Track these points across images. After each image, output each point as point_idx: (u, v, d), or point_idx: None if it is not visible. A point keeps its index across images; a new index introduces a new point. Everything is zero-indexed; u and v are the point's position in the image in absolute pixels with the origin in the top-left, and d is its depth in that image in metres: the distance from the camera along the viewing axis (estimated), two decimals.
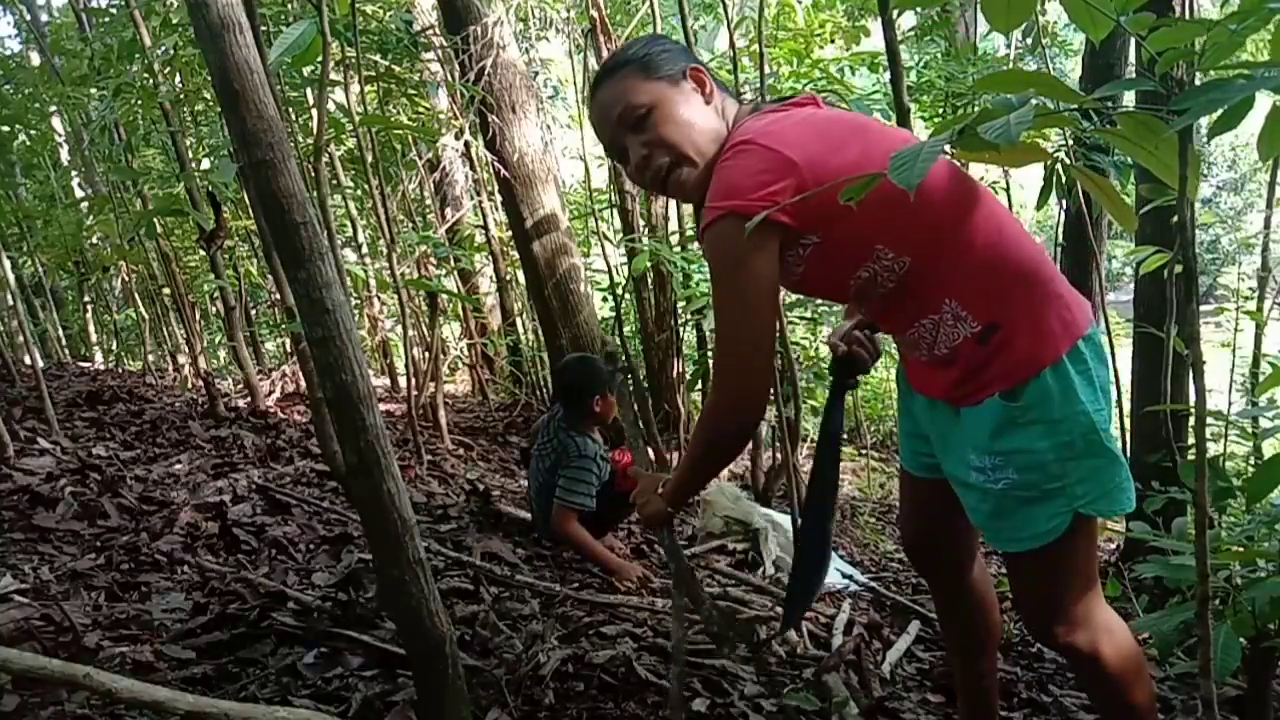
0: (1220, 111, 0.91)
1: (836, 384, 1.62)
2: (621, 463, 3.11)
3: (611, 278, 5.30)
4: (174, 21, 3.99)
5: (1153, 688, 1.41)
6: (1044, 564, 1.33)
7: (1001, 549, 1.37)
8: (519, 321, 6.22)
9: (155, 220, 4.34)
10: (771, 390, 3.19)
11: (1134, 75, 3.55)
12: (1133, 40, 1.09)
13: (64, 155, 7.12)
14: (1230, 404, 4.49)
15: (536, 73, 6.76)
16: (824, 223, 1.25)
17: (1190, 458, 2.88)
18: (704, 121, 1.36)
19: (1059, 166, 3.08)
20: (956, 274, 1.28)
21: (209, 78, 2.03)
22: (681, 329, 4.86)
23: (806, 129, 1.27)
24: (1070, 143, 3.00)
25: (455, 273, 6.16)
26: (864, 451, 6.96)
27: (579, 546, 2.87)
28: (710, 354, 4.85)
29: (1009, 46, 6.63)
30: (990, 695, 1.71)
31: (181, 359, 5.88)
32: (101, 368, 6.71)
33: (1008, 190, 5.15)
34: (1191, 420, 2.78)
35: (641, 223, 5.01)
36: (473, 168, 5.50)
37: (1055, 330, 1.27)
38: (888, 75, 2.76)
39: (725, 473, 4.72)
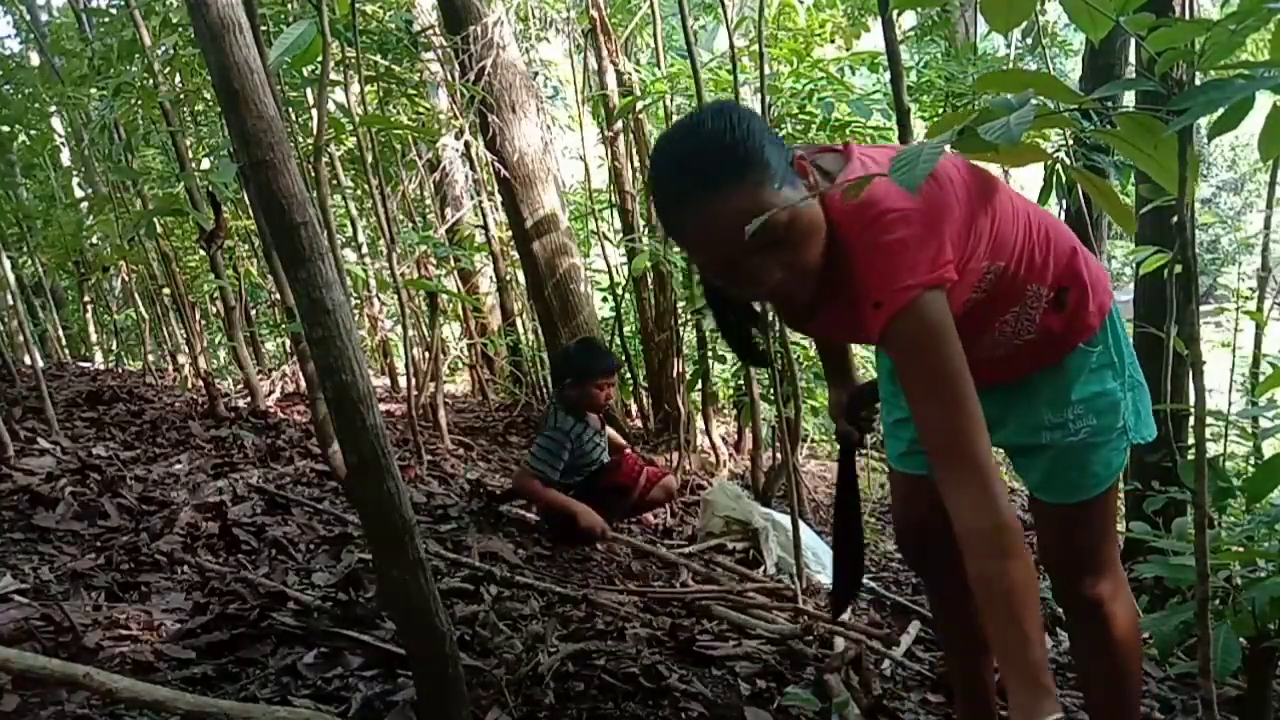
0: (1220, 112, 0.91)
1: (844, 458, 1.71)
2: (629, 463, 3.14)
3: (611, 278, 5.30)
4: (174, 21, 3.99)
5: (1140, 683, 1.47)
6: (1096, 509, 1.41)
7: (1066, 500, 1.41)
8: (519, 321, 6.22)
9: (155, 220, 4.34)
10: (772, 390, 3.20)
11: (1134, 75, 3.55)
12: (1133, 40, 1.09)
13: (64, 156, 7.11)
14: (1230, 404, 4.48)
15: (536, 73, 6.75)
16: (958, 268, 1.17)
17: (1190, 458, 2.88)
18: (817, 221, 1.16)
19: (1059, 166, 3.08)
20: (1034, 259, 1.32)
21: (209, 78, 2.03)
22: (681, 329, 4.86)
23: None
24: (1070, 143, 3.01)
25: (455, 273, 6.16)
26: (864, 451, 6.95)
27: (535, 499, 2.97)
28: (710, 353, 4.85)
29: (1009, 46, 6.63)
30: (989, 695, 1.71)
31: (181, 359, 5.87)
32: (101, 368, 6.71)
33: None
34: (1191, 420, 2.78)
35: (641, 223, 5.01)
36: (473, 168, 5.49)
37: (1101, 277, 1.38)
38: (888, 75, 2.76)
39: (725, 471, 4.72)
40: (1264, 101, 0.98)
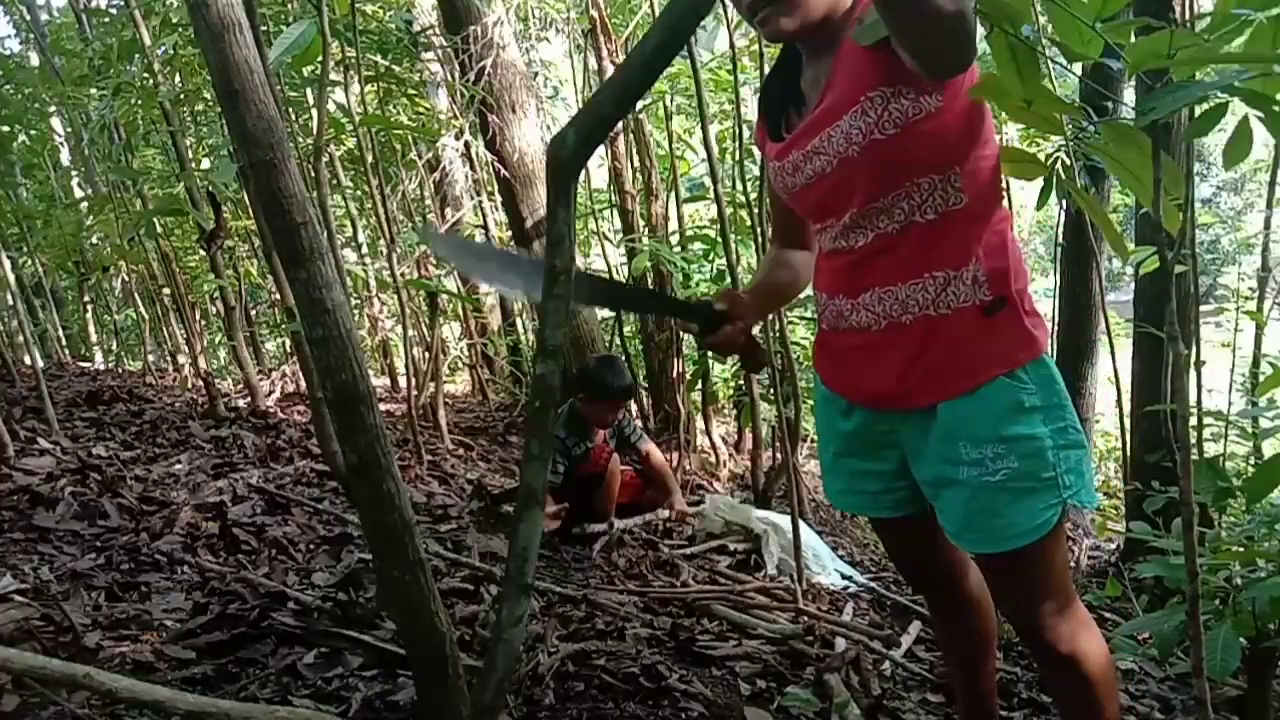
0: (1201, 113, 0.94)
1: (704, 326, 1.42)
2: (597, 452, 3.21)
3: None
4: (174, 21, 3.99)
5: (1119, 709, 1.41)
6: (1029, 560, 1.32)
7: (986, 550, 1.33)
8: (519, 321, 6.22)
9: (155, 220, 4.34)
10: (772, 390, 3.20)
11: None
12: None
13: (64, 156, 7.11)
14: (1230, 404, 4.49)
15: (536, 73, 6.75)
16: (956, 88, 1.20)
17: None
18: None
19: (1059, 167, 3.08)
20: (993, 236, 1.29)
21: (209, 78, 2.03)
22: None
23: None
24: (1069, 143, 3.00)
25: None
26: None
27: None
28: (710, 353, 4.84)
29: None
30: (990, 696, 1.71)
31: (181, 359, 5.87)
32: (101, 368, 6.72)
33: (1008, 189, 5.15)
34: (1191, 420, 2.78)
35: (641, 223, 5.01)
36: (473, 168, 5.49)
37: (1043, 328, 1.33)
38: None
39: (725, 472, 4.72)
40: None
